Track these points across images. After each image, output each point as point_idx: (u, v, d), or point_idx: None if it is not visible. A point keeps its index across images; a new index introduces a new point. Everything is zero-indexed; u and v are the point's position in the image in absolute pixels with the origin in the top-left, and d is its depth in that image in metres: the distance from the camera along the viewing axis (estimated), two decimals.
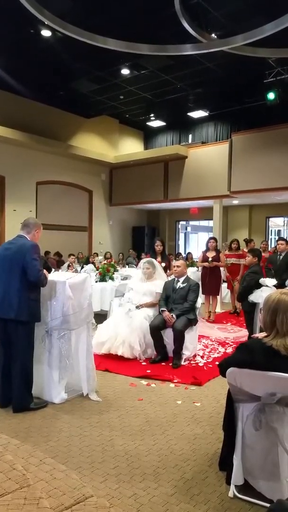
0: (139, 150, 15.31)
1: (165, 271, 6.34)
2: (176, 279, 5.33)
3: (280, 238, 7.59)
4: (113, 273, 7.72)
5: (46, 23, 6.62)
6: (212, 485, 2.48)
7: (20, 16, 6.80)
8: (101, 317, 6.19)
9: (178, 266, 5.34)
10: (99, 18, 7.14)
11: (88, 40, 6.60)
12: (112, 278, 7.55)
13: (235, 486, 2.36)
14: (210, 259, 7.67)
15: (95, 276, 7.62)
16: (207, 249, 7.91)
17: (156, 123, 14.58)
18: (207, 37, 7.19)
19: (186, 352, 4.98)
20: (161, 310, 5.07)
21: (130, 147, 15.10)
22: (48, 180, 12.31)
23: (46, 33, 7.88)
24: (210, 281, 7.70)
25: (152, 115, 13.74)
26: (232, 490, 2.36)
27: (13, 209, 11.22)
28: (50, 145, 11.66)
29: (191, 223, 17.52)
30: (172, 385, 4.24)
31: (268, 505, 2.13)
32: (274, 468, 2.23)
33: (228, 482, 2.41)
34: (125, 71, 9.81)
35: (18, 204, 11.37)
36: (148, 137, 15.80)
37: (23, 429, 3.17)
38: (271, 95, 10.27)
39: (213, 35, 7.58)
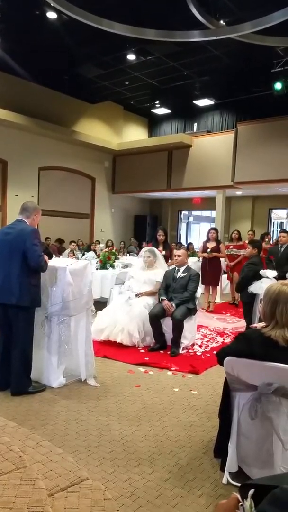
0: (143, 137, 15.18)
1: (167, 261, 6.33)
2: (176, 268, 5.32)
3: (282, 230, 7.56)
4: (114, 261, 7.72)
5: (52, 4, 6.51)
6: (207, 471, 2.51)
7: None
8: (101, 304, 6.21)
9: (179, 256, 5.33)
10: (106, 1, 7.01)
11: (94, 24, 6.51)
12: (112, 266, 7.55)
13: (229, 473, 2.39)
14: (209, 249, 7.66)
15: (96, 263, 7.63)
16: (208, 240, 7.90)
17: (161, 111, 14.43)
18: (215, 23, 7.08)
19: (185, 341, 5.00)
20: (161, 299, 5.07)
21: (134, 134, 14.96)
22: (50, 166, 12.24)
23: (51, 15, 7.75)
24: (210, 272, 7.69)
25: (157, 102, 13.59)
26: (226, 477, 2.39)
27: (15, 194, 11.19)
28: (53, 130, 11.56)
29: (194, 213, 17.45)
30: (169, 372, 4.26)
31: None
32: (269, 457, 2.25)
33: (222, 469, 2.44)
34: (131, 57, 9.67)
35: (20, 189, 11.34)
36: (153, 124, 15.64)
37: (21, 412, 3.20)
38: (278, 85, 10.14)
39: (221, 22, 7.45)
